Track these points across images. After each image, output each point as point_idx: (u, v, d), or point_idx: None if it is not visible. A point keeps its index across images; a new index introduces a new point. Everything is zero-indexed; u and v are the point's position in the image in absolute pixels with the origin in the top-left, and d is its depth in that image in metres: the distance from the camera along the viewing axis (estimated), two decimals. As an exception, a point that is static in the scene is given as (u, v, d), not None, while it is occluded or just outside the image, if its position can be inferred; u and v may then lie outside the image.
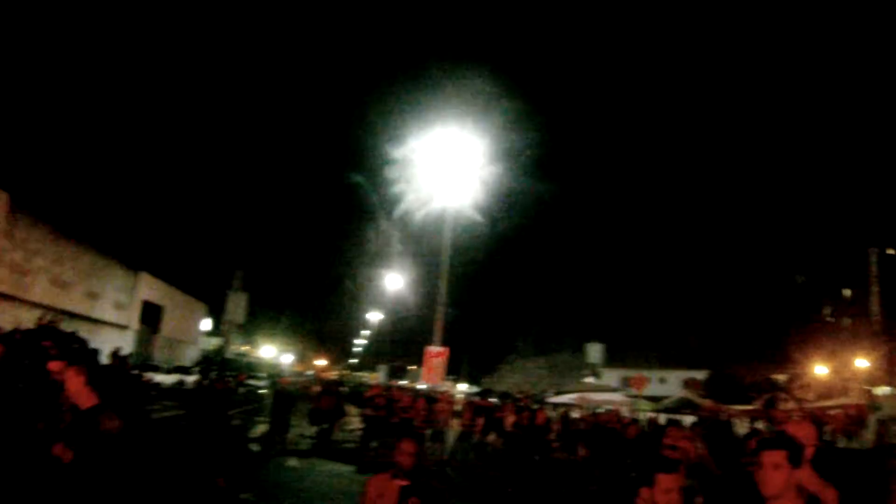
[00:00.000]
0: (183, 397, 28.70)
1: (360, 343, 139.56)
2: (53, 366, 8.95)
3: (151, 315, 70.38)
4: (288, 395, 24.52)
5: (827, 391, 68.02)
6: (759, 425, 46.23)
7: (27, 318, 32.72)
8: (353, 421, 33.11)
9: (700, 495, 7.90)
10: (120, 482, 6.19)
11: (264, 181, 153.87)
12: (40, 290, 48.15)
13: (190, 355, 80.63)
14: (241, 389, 50.42)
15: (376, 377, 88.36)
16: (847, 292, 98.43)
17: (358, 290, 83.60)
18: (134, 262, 66.58)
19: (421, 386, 45.01)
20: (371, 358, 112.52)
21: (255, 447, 22.99)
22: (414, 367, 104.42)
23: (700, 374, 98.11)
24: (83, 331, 24.97)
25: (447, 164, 35.44)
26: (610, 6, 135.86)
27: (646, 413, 44.57)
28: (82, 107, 72.45)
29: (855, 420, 44.12)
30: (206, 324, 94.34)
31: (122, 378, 21.97)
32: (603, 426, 25.61)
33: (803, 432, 5.37)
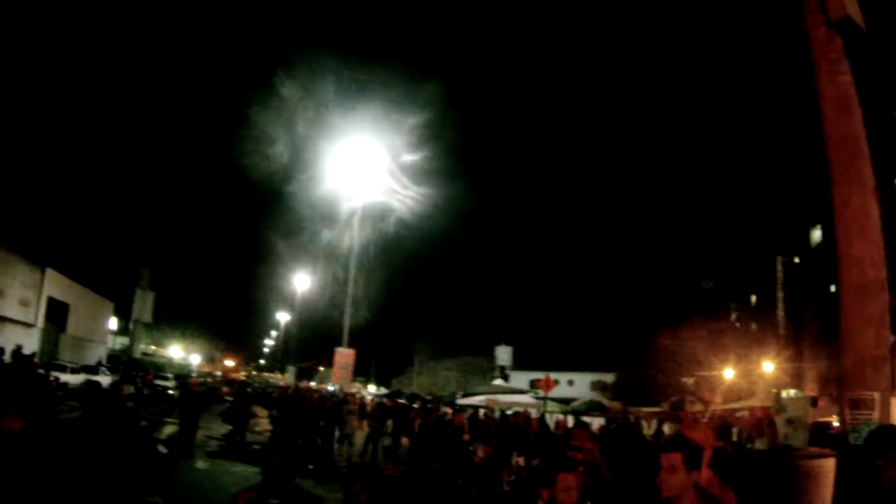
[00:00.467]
0: (86, 398, 28.43)
1: (269, 344, 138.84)
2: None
3: (57, 313, 68.65)
4: (197, 396, 24.31)
5: (734, 394, 69.32)
6: (667, 428, 47.10)
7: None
8: (262, 422, 33.01)
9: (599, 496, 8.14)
10: (21, 483, 6.17)
11: (170, 178, 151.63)
12: (-61, 287, 47.08)
13: (97, 355, 79.05)
14: (147, 391, 49.79)
15: (285, 378, 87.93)
16: (753, 298, 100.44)
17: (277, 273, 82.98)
18: (39, 258, 65.25)
19: (330, 387, 45.03)
20: (280, 359, 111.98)
21: (163, 449, 22.80)
22: (323, 369, 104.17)
23: (608, 377, 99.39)
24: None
25: (358, 169, 35.55)
26: (526, 13, 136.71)
27: (555, 415, 45.06)
28: (-16, 100, 70.88)
29: (761, 422, 45.01)
30: (113, 323, 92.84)
31: (25, 377, 21.69)
32: (510, 426, 26.05)
33: (700, 435, 5.52)
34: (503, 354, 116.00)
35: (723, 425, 45.88)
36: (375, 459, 24.41)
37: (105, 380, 45.01)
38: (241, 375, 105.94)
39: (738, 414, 49.18)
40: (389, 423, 25.88)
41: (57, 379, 38.24)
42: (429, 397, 69.50)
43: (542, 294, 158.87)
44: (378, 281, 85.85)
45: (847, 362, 7.37)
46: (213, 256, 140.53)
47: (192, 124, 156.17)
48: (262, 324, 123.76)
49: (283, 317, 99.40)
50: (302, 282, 75.52)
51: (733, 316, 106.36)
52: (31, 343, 51.10)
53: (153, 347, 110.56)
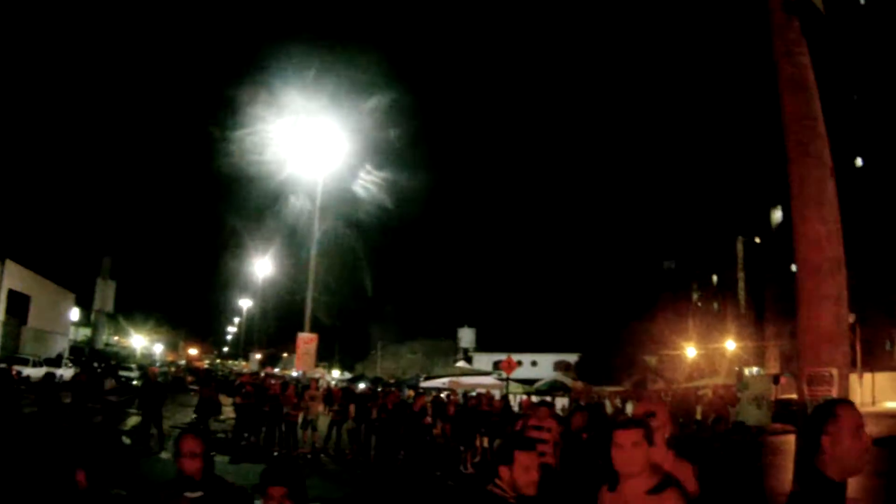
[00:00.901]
0: (44, 391, 28.00)
1: (231, 331, 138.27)
2: None
3: (18, 305, 67.85)
4: (158, 386, 24.12)
5: (697, 372, 69.83)
6: (630, 406, 47.36)
7: None
8: (225, 410, 32.89)
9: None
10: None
11: (127, 166, 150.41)
12: None
13: (60, 347, 78.07)
14: (109, 382, 49.30)
15: (248, 365, 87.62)
16: (715, 278, 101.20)
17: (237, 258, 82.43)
18: (-3, 249, 64.51)
19: (294, 373, 44.94)
20: (243, 346, 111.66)
21: (126, 440, 22.64)
22: (287, 355, 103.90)
23: (571, 357, 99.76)
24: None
25: (318, 154, 35.44)
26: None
27: (519, 396, 45.17)
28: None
29: (724, 399, 45.36)
30: (75, 314, 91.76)
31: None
32: (470, 408, 26.13)
33: (653, 411, 5.52)
34: (466, 336, 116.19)
35: (684, 403, 46.32)
36: (339, 445, 24.38)
37: (67, 372, 44.57)
38: (205, 363, 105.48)
39: (701, 392, 49.53)
40: (352, 407, 25.84)
41: (19, 373, 37.79)
42: (392, 381, 69.54)
43: (505, 276, 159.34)
44: (340, 265, 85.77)
45: (805, 339, 7.44)
46: (173, 244, 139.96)
47: (150, 112, 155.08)
48: (224, 311, 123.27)
49: (245, 303, 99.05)
50: (264, 267, 75.18)
51: (695, 296, 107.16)
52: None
53: (116, 338, 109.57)
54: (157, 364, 68.24)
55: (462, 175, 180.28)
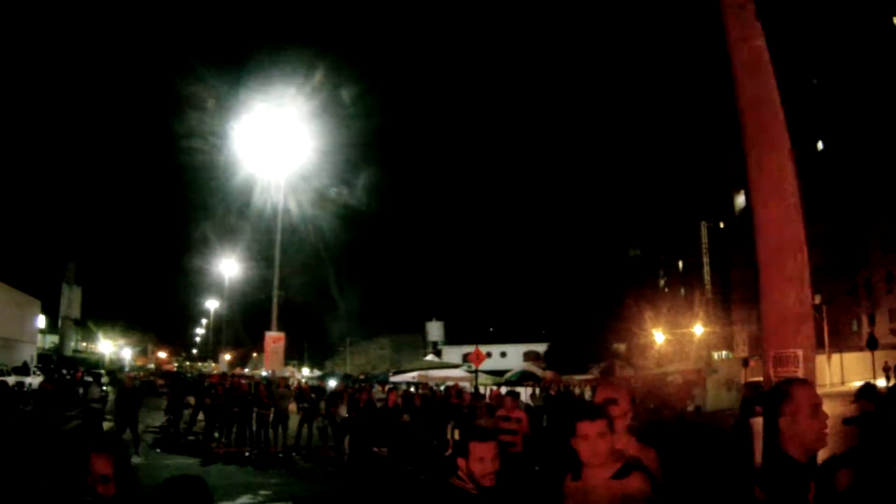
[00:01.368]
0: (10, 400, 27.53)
1: (200, 333, 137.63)
2: None
3: (-19, 314, 67.16)
4: (133, 392, 23.90)
5: (666, 358, 70.18)
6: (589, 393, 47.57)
7: None
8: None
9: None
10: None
11: (89, 171, 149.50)
12: None
13: (27, 355, 77.21)
14: (95, 390, 48.63)
15: (218, 367, 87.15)
16: (681, 264, 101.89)
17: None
18: (-43, 257, 63.78)
19: (263, 372, 44.76)
20: (212, 347, 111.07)
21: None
22: (256, 355, 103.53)
23: (540, 347, 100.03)
24: None
25: (280, 152, 35.32)
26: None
27: (488, 387, 45.23)
28: None
29: (693, 384, 45.61)
30: (41, 321, 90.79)
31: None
32: (436, 401, 26.21)
33: (614, 398, 5.50)
34: (434, 330, 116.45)
35: (655, 389, 46.56)
36: (311, 442, 24.38)
37: (36, 380, 44.17)
38: (174, 366, 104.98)
39: (670, 378, 49.77)
40: (322, 405, 25.82)
41: (5, 382, 37.37)
42: (362, 377, 69.45)
43: (472, 269, 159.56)
44: (305, 263, 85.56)
45: (769, 321, 7.48)
46: (139, 248, 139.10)
47: (113, 115, 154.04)
48: (192, 313, 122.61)
49: (212, 304, 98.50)
50: (229, 268, 74.73)
51: (662, 282, 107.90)
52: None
53: (84, 344, 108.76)
54: (128, 369, 67.74)
55: (426, 169, 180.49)
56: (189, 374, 75.84)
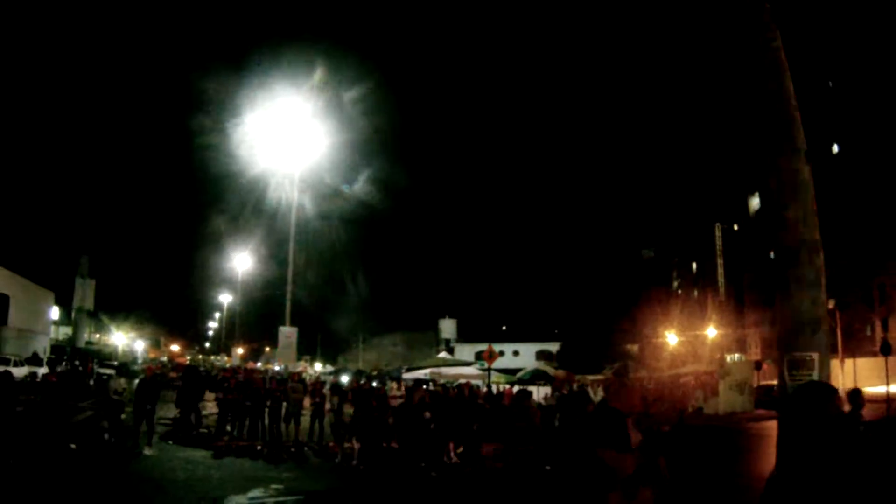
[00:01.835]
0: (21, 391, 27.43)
1: (213, 326, 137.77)
2: None
3: (-3, 306, 67.43)
4: (152, 384, 23.76)
5: (678, 359, 70.02)
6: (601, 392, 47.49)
7: None
8: (208, 405, 32.78)
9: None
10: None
11: (104, 165, 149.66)
12: None
13: (41, 346, 77.34)
14: (118, 382, 48.55)
15: (230, 360, 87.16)
16: (694, 265, 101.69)
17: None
18: (-25, 251, 63.99)
19: (276, 367, 44.79)
20: (225, 341, 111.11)
21: (108, 437, 22.48)
22: (269, 349, 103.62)
23: (553, 346, 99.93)
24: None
25: (296, 148, 35.35)
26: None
27: (501, 385, 45.13)
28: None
29: (706, 386, 45.51)
30: (55, 313, 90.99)
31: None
32: (448, 396, 26.20)
33: (622, 403, 5.49)
34: (448, 327, 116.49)
35: (671, 391, 46.44)
36: (322, 437, 24.36)
37: (22, 372, 44.44)
38: (186, 359, 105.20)
39: (683, 379, 49.65)
40: (335, 400, 25.81)
41: (10, 374, 37.43)
42: (374, 373, 69.54)
43: (486, 267, 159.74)
44: (320, 259, 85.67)
45: (784, 324, 7.47)
46: (152, 241, 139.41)
47: (127, 110, 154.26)
48: (205, 307, 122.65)
49: (226, 298, 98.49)
50: (243, 262, 74.76)
51: (675, 283, 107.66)
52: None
53: (97, 336, 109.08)
54: (141, 361, 67.95)
55: (443, 167, 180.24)
56: (202, 368, 76.11)
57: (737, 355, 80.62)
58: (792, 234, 7.29)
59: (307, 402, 26.69)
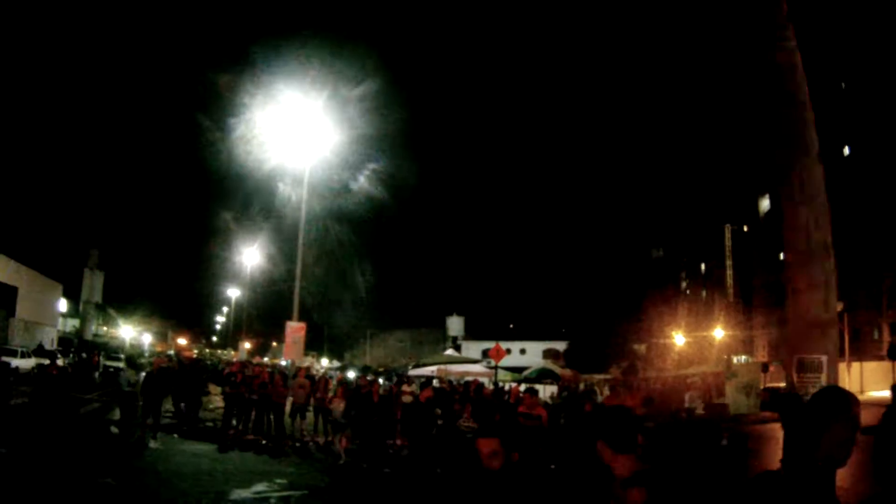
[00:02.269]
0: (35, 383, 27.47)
1: (220, 321, 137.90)
2: None
3: (5, 297, 67.11)
4: (160, 377, 23.70)
5: (685, 360, 69.99)
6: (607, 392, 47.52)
7: None
8: (215, 399, 32.81)
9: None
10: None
11: (114, 158, 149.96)
12: None
13: (48, 337, 77.48)
14: (131, 373, 48.46)
15: (237, 355, 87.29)
16: (703, 266, 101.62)
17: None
18: (-17, 241, 64.07)
19: (283, 362, 44.78)
20: (232, 335, 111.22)
21: (115, 430, 22.52)
22: (276, 344, 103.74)
23: (560, 345, 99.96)
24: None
25: (305, 143, 35.38)
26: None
27: (508, 384, 45.11)
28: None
29: (713, 387, 45.51)
30: (63, 305, 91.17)
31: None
32: (457, 391, 26.17)
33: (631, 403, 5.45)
34: (455, 325, 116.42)
35: (674, 392, 46.38)
36: (327, 433, 24.34)
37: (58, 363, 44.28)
38: (193, 353, 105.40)
39: (690, 380, 49.61)
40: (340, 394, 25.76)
41: (8, 364, 37.37)
42: (381, 369, 69.56)
43: (494, 265, 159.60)
44: (328, 254, 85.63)
45: (794, 326, 7.43)
46: (161, 235, 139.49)
47: (137, 103, 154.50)
48: (213, 301, 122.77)
49: (234, 293, 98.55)
50: (252, 257, 74.81)
51: (683, 284, 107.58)
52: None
53: (105, 328, 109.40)
54: (148, 354, 68.03)
55: (451, 164, 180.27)
56: (209, 362, 76.14)
57: (744, 357, 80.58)
58: (803, 235, 7.25)
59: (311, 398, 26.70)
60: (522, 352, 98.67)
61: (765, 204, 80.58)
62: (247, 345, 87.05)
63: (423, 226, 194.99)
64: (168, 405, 27.50)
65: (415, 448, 20.02)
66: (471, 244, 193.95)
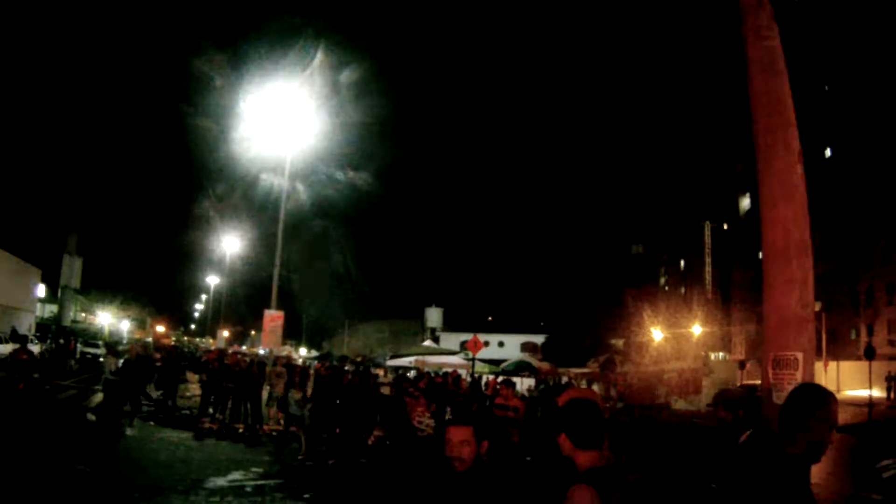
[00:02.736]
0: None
1: (199, 308, 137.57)
2: None
3: (-21, 282, 66.77)
4: (138, 364, 23.59)
5: (663, 356, 70.22)
6: (596, 387, 47.65)
7: None
8: (192, 387, 32.72)
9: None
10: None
11: (93, 142, 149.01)
12: None
13: (26, 323, 76.95)
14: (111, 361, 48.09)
15: (215, 343, 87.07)
16: (682, 263, 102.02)
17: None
18: (-43, 224, 63.57)
19: (261, 350, 44.71)
20: (211, 323, 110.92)
21: (91, 417, 22.42)
22: (254, 333, 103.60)
23: (538, 338, 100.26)
24: None
25: (285, 130, 35.30)
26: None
27: (486, 375, 45.14)
28: None
29: (690, 383, 45.68)
30: (41, 290, 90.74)
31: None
32: (436, 382, 26.15)
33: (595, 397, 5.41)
34: (433, 316, 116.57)
35: (649, 386, 46.60)
36: (304, 422, 24.33)
37: (34, 348, 43.98)
38: (171, 341, 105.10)
39: (667, 375, 49.77)
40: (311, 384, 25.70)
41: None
42: (359, 359, 69.60)
43: (473, 257, 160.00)
44: (308, 244, 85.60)
45: (770, 323, 7.45)
46: (140, 221, 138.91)
47: (116, 88, 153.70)
48: (192, 288, 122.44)
49: (213, 280, 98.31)
50: (231, 245, 74.52)
51: (662, 280, 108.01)
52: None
53: (83, 315, 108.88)
54: (126, 342, 67.72)
55: (431, 156, 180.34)
56: (187, 350, 75.91)
57: (721, 354, 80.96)
58: (782, 233, 7.27)
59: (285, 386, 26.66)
60: (501, 344, 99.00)
61: (745, 202, 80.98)
62: (225, 333, 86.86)
63: (403, 217, 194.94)
64: (153, 393, 27.49)
65: (392, 440, 20.01)
66: (450, 236, 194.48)
